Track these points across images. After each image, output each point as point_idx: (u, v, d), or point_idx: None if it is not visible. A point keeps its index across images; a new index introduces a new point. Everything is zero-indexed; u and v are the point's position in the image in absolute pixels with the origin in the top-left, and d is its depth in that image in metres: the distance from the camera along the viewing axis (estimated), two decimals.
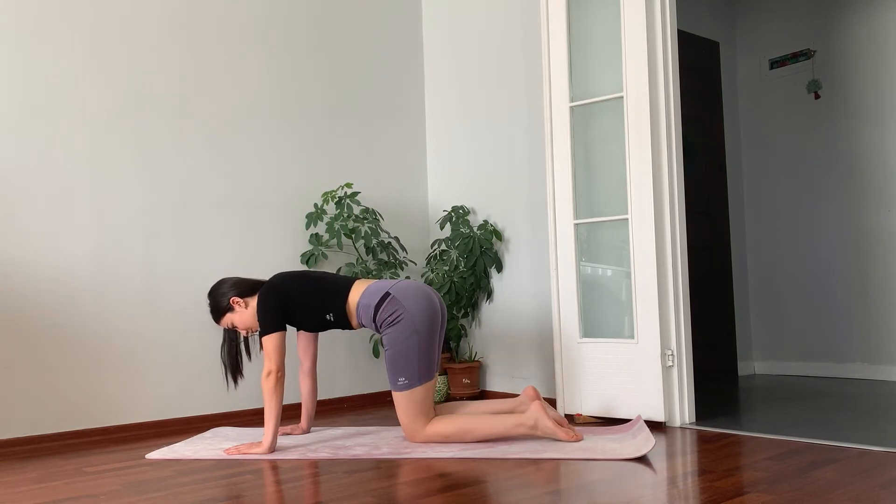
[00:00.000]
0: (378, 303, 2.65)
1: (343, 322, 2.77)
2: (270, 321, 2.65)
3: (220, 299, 2.76)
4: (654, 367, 2.89)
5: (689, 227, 3.85)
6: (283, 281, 2.73)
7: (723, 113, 4.62)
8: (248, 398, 3.40)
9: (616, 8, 3.06)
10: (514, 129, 3.66)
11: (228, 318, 2.77)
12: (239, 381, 2.83)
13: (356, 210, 3.75)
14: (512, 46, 3.69)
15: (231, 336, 2.81)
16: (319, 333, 3.36)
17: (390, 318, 2.62)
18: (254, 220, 3.53)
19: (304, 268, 3.62)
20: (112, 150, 3.17)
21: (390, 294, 2.65)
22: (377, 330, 2.70)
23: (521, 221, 3.62)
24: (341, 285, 2.76)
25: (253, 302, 2.76)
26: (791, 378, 4.34)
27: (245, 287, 2.78)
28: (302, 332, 2.93)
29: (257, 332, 2.81)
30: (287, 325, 2.73)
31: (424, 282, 3.87)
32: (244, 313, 2.76)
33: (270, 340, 2.64)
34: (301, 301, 2.72)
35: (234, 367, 2.81)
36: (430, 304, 2.66)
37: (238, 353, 2.81)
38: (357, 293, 2.72)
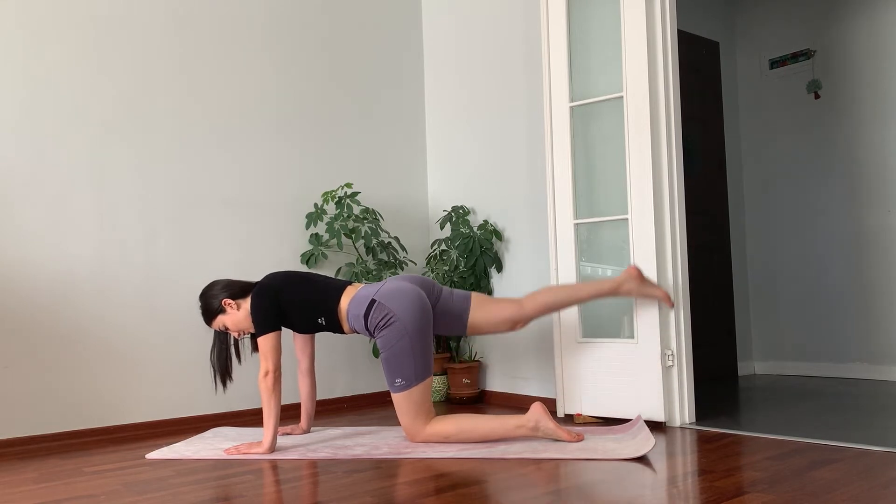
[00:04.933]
0: (366, 311, 2.65)
1: (335, 326, 2.76)
2: (265, 321, 2.65)
3: (211, 301, 2.76)
4: (654, 367, 2.89)
5: (689, 227, 3.85)
6: (276, 281, 2.73)
7: (723, 113, 4.62)
8: (247, 398, 3.40)
9: (616, 8, 3.06)
10: (514, 129, 3.66)
11: (220, 320, 2.77)
12: (228, 384, 2.82)
13: (356, 210, 3.75)
14: (512, 46, 3.68)
15: (221, 339, 2.81)
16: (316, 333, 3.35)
17: (381, 322, 2.62)
18: (254, 220, 3.53)
19: (304, 268, 3.62)
20: (112, 150, 3.17)
21: (376, 301, 2.65)
22: (371, 335, 2.70)
23: (521, 221, 3.62)
24: (333, 290, 2.75)
25: (245, 304, 2.76)
26: (791, 378, 4.34)
27: (237, 288, 2.78)
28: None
29: (248, 335, 2.81)
30: (282, 326, 2.73)
31: None
32: (236, 315, 2.75)
33: (266, 341, 2.64)
34: (292, 303, 2.71)
35: (223, 371, 2.79)
36: (416, 303, 2.65)
37: (228, 356, 2.80)
38: (346, 300, 2.73)
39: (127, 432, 3.09)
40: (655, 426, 2.85)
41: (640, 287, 2.82)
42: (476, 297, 2.85)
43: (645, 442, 2.42)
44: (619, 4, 3.04)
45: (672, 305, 2.88)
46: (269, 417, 2.59)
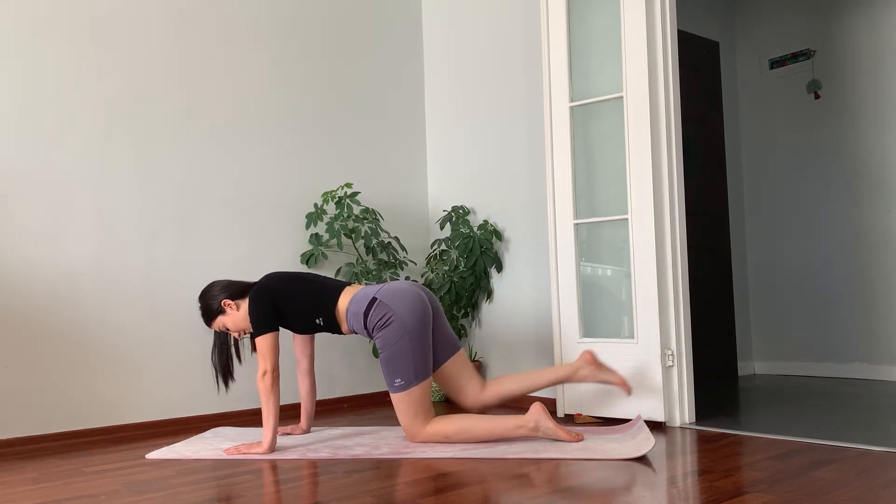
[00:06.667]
0: (366, 309, 2.65)
1: (333, 327, 2.76)
2: (263, 321, 2.65)
3: (211, 302, 2.76)
4: (654, 367, 2.89)
5: (689, 227, 3.85)
6: (274, 282, 2.73)
7: (723, 113, 4.62)
8: (247, 398, 3.40)
9: (616, 8, 3.06)
10: (514, 129, 3.66)
11: (220, 321, 2.77)
12: (230, 384, 2.83)
13: (356, 210, 3.75)
14: (512, 46, 3.68)
15: (222, 339, 2.81)
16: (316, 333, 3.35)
17: (380, 322, 2.62)
18: (254, 220, 3.53)
19: (303, 268, 3.62)
20: (113, 151, 3.17)
21: (377, 299, 2.65)
22: (369, 335, 2.69)
23: (521, 221, 3.62)
24: (331, 290, 2.76)
25: (244, 304, 2.76)
26: (791, 378, 4.34)
27: (236, 289, 2.78)
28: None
29: (248, 335, 2.81)
30: (280, 326, 2.73)
31: (424, 282, 3.87)
32: (236, 315, 2.76)
33: (264, 341, 2.64)
34: (290, 303, 2.72)
35: (225, 371, 2.80)
36: (418, 303, 2.65)
37: (229, 356, 2.81)
38: (346, 300, 2.73)
39: (127, 432, 3.09)
40: (655, 426, 2.85)
41: (594, 372, 2.77)
42: (462, 354, 2.85)
43: (645, 442, 2.42)
44: (619, 4, 3.04)
45: (630, 392, 2.79)
46: (269, 417, 2.59)
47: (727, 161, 4.69)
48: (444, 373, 2.81)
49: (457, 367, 2.82)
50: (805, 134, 4.50)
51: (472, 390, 2.81)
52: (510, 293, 3.66)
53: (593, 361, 2.77)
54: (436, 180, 4.13)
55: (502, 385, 2.82)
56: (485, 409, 2.84)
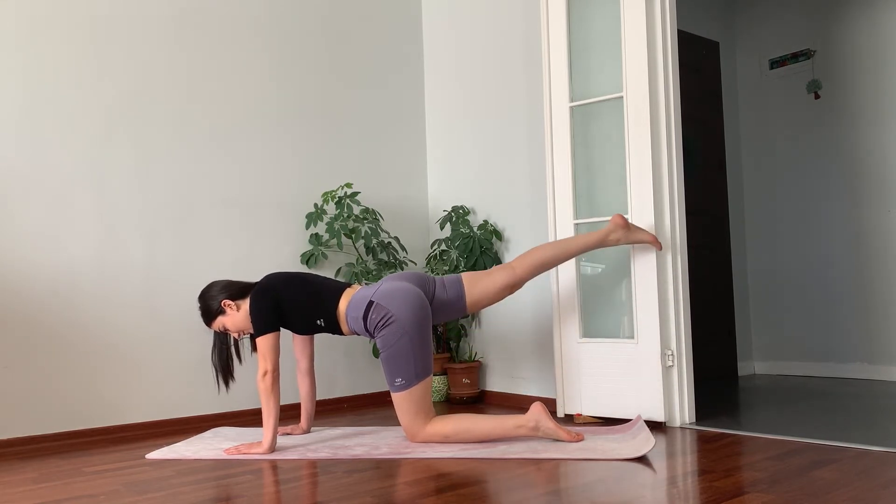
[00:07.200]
0: (364, 313, 2.65)
1: (334, 328, 2.77)
2: (264, 321, 2.65)
3: (210, 302, 2.76)
4: (654, 367, 2.89)
5: (689, 227, 3.85)
6: (275, 282, 2.73)
7: (722, 113, 4.62)
8: (247, 398, 3.40)
9: (616, 8, 3.06)
10: (514, 129, 3.66)
11: (220, 321, 2.77)
12: (230, 384, 2.83)
13: (356, 210, 3.75)
14: (512, 46, 3.68)
15: (222, 339, 2.81)
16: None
17: (381, 323, 2.62)
18: (254, 220, 3.53)
19: (303, 268, 3.62)
20: (113, 151, 3.17)
21: (374, 302, 2.65)
22: (371, 336, 2.69)
23: (521, 221, 3.62)
24: (331, 292, 2.76)
25: (244, 304, 2.76)
26: (791, 378, 4.34)
27: (235, 289, 2.78)
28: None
29: (248, 335, 2.81)
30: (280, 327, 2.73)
31: None
32: (235, 316, 2.75)
33: (264, 341, 2.63)
34: (292, 304, 2.71)
35: (225, 371, 2.80)
36: (415, 302, 2.65)
37: (229, 356, 2.81)
38: (345, 302, 2.73)
39: (127, 432, 3.09)
40: (655, 426, 2.85)
41: (627, 234, 2.85)
42: (467, 277, 2.85)
43: (645, 442, 2.42)
44: (619, 4, 3.04)
45: (661, 248, 2.90)
46: (269, 417, 2.59)
47: (727, 161, 4.69)
48: (473, 300, 2.83)
49: (475, 286, 2.83)
50: (805, 134, 4.50)
51: (502, 281, 2.83)
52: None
53: (625, 224, 2.84)
54: (436, 180, 4.13)
55: (533, 255, 2.86)
56: (522, 283, 2.86)
